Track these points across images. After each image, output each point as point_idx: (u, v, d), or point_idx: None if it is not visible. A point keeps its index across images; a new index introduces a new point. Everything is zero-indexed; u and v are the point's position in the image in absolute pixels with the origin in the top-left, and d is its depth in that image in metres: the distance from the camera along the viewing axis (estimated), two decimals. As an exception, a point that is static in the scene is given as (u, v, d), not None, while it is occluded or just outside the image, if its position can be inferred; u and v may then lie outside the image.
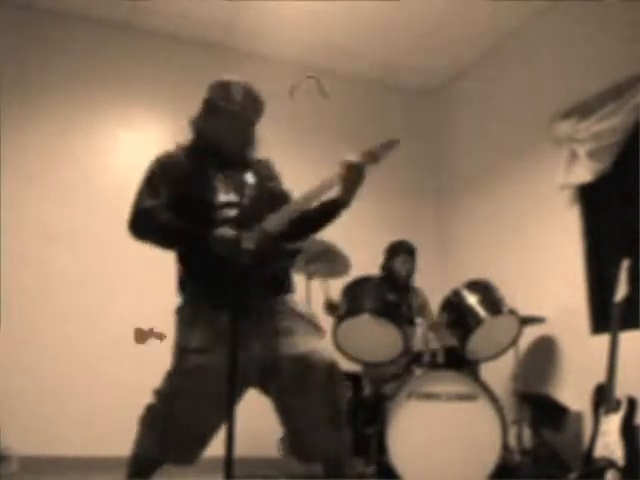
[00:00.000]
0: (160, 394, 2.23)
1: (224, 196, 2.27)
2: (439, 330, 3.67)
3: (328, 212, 2.33)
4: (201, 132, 2.36)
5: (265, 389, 2.26)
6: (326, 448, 2.21)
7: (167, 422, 2.17)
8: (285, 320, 2.26)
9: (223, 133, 2.32)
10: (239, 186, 2.25)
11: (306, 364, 2.18)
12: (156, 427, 2.20)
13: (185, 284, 2.30)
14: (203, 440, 2.23)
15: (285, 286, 2.36)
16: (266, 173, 2.42)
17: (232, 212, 2.22)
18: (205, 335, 2.19)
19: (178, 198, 2.26)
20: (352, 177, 2.21)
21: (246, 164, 2.35)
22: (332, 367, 2.22)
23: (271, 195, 2.35)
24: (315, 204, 2.28)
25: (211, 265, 2.16)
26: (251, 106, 2.33)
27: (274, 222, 2.21)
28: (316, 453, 2.25)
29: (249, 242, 2.07)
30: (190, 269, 2.27)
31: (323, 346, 2.29)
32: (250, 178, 2.24)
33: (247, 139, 2.37)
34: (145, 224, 2.27)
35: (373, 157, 2.21)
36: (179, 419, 2.16)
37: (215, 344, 2.14)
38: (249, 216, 2.16)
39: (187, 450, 2.22)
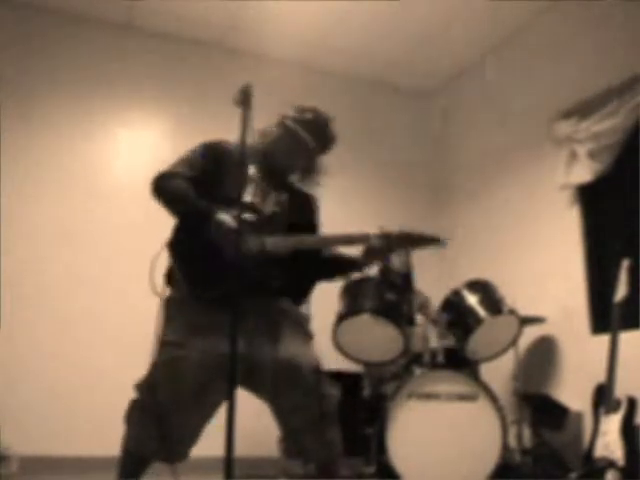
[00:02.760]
0: (139, 387, 2.23)
1: (249, 197, 2.29)
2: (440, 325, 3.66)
3: (343, 267, 2.40)
4: (267, 143, 2.40)
5: (251, 388, 2.26)
6: (316, 448, 2.22)
7: (146, 415, 2.17)
8: (273, 320, 2.27)
9: (287, 156, 2.38)
10: (268, 198, 2.28)
11: (292, 366, 2.19)
12: (137, 419, 2.20)
13: (172, 275, 2.29)
14: (186, 436, 2.21)
15: (276, 288, 2.34)
16: (303, 205, 2.44)
17: (248, 215, 2.22)
18: (183, 328, 2.20)
19: (212, 180, 2.29)
20: (382, 251, 2.24)
21: (290, 189, 2.39)
22: (317, 369, 2.23)
23: (294, 224, 2.35)
24: (330, 251, 2.34)
25: (200, 253, 2.18)
26: (322, 143, 2.39)
27: (277, 242, 2.23)
28: (307, 453, 2.26)
29: (249, 243, 2.09)
30: (178, 256, 2.26)
31: (310, 350, 2.30)
32: (284, 198, 2.29)
33: (305, 171, 2.42)
34: (163, 184, 2.29)
35: (411, 243, 2.23)
36: (157, 412, 2.15)
37: (191, 338, 2.15)
38: (262, 226, 2.18)
39: (170, 446, 2.18)
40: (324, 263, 2.39)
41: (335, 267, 2.41)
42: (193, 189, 2.26)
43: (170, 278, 2.30)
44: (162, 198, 2.30)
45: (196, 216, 2.23)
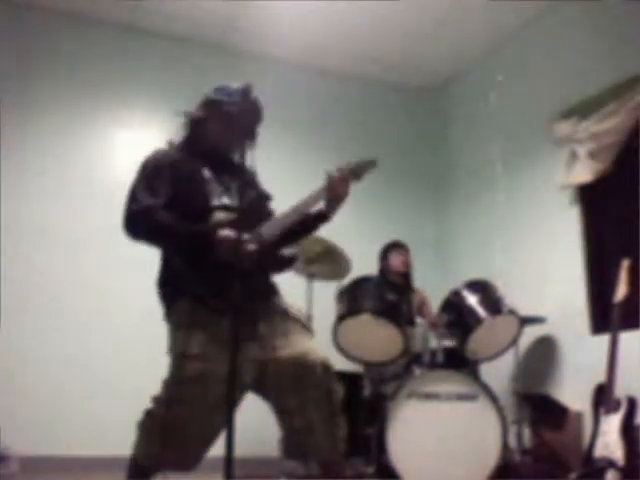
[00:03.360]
0: (159, 401, 2.20)
1: (218, 199, 2.27)
2: (439, 328, 3.67)
3: (313, 224, 2.40)
4: (199, 131, 2.38)
5: (262, 391, 2.26)
6: (325, 445, 2.22)
7: (166, 429, 2.15)
8: (280, 321, 2.27)
9: (222, 135, 2.34)
10: (233, 189, 2.27)
11: (303, 364, 2.20)
12: (155, 434, 2.17)
13: (181, 285, 2.24)
14: (202, 448, 2.21)
15: (277, 287, 2.38)
16: (251, 178, 2.44)
17: (228, 215, 2.21)
18: (204, 341, 2.15)
19: (175, 198, 2.24)
20: (339, 192, 2.27)
21: (237, 168, 2.35)
22: (327, 365, 2.24)
23: (259, 200, 2.40)
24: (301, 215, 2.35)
25: (212, 267, 2.14)
26: (251, 110, 2.33)
27: (271, 230, 2.24)
28: (316, 452, 2.25)
29: (252, 245, 2.10)
30: (190, 270, 2.23)
31: (315, 346, 2.31)
32: (241, 182, 2.24)
33: (245, 144, 2.38)
34: (144, 224, 2.21)
35: (355, 174, 2.29)
36: (178, 427, 2.13)
37: (215, 350, 2.11)
38: (245, 221, 2.16)
39: (186, 457, 2.19)
40: (301, 227, 2.40)
41: (310, 225, 2.42)
42: (170, 215, 2.18)
43: (177, 287, 2.25)
44: (148, 237, 2.23)
45: (193, 242, 2.18)
